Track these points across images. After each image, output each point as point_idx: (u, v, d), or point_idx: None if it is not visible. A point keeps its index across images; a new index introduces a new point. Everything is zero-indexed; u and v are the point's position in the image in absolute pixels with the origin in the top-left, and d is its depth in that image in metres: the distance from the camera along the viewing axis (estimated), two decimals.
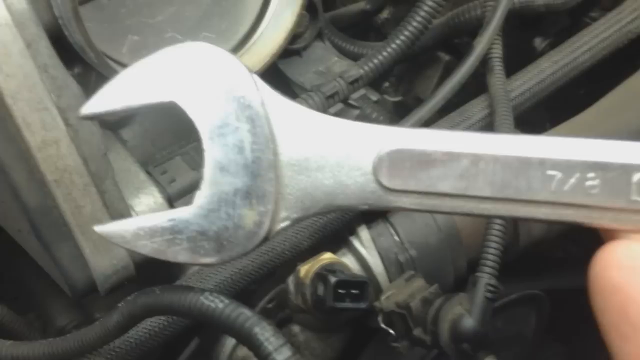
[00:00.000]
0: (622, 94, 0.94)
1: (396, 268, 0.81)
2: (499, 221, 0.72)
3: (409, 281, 0.76)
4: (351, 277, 0.72)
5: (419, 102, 0.96)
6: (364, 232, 0.81)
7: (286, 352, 0.41)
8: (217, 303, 0.43)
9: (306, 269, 0.74)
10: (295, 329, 0.84)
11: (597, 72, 0.98)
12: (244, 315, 0.42)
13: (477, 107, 0.82)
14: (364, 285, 0.72)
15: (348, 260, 0.81)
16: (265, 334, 0.41)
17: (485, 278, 0.70)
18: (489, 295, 0.69)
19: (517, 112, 0.84)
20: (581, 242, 1.36)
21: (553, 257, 1.27)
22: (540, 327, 1.04)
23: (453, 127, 0.81)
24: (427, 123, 0.83)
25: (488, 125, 0.81)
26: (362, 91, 0.86)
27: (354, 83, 0.84)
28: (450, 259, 0.83)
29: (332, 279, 0.70)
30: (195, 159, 0.77)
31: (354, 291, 0.72)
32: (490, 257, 0.70)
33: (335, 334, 0.85)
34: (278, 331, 0.42)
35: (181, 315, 0.47)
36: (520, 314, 0.99)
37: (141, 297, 0.50)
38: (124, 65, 0.74)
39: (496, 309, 0.93)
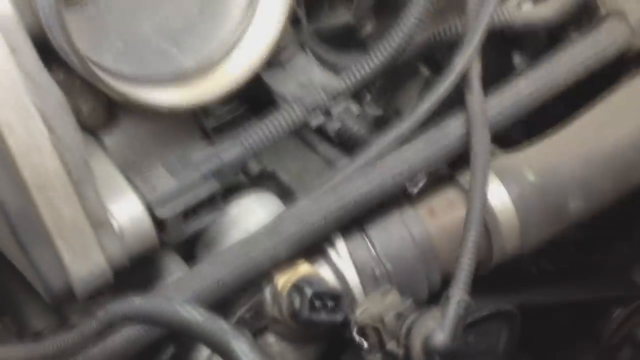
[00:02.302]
0: (597, 114, 0.96)
1: (372, 281, 0.82)
2: (472, 237, 0.73)
3: (384, 295, 0.77)
4: (327, 290, 0.73)
5: (400, 116, 0.98)
6: (340, 244, 0.82)
7: None
8: (195, 315, 0.44)
9: (284, 281, 0.75)
10: (271, 339, 0.84)
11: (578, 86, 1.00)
12: (222, 329, 0.43)
13: (454, 124, 0.83)
14: (339, 298, 0.73)
15: (324, 271, 0.82)
16: (243, 347, 0.42)
17: (457, 294, 0.71)
18: (461, 311, 0.71)
19: (494, 131, 0.85)
20: (554, 258, 1.39)
21: (526, 272, 1.30)
22: (511, 341, 1.06)
23: (432, 144, 0.82)
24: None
25: (465, 143, 0.82)
26: (343, 104, 0.87)
27: (336, 96, 0.85)
28: (425, 274, 0.84)
29: (309, 291, 0.71)
30: (177, 168, 0.77)
31: (329, 303, 0.73)
32: (464, 273, 0.72)
33: (310, 345, 0.86)
34: (255, 345, 0.43)
35: (159, 326, 0.48)
36: (491, 329, 1.00)
37: (120, 306, 0.50)
38: (108, 72, 0.75)
39: (468, 324, 0.95)
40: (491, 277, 1.11)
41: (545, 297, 1.11)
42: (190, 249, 0.86)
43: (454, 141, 0.82)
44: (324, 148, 1.06)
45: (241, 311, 0.79)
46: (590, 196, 0.90)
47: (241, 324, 0.80)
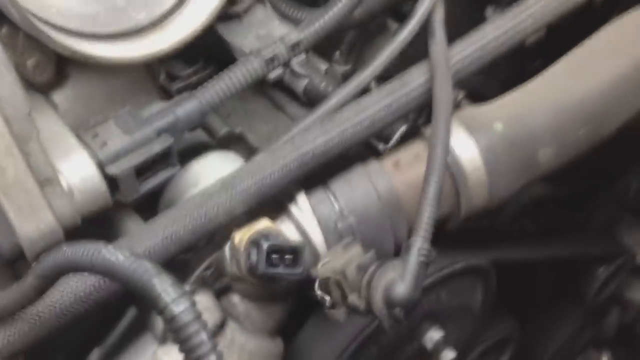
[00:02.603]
0: (568, 63, 0.93)
1: (335, 236, 0.80)
2: (433, 185, 0.71)
3: (346, 248, 0.75)
4: (285, 243, 0.71)
5: None
6: (302, 199, 0.80)
7: (184, 303, 0.40)
8: (117, 256, 0.42)
9: (241, 235, 0.73)
10: (235, 298, 0.83)
11: (549, 44, 0.98)
12: (143, 267, 0.41)
13: (417, 73, 0.81)
14: (298, 251, 0.71)
15: (287, 228, 0.80)
16: (164, 284, 0.40)
17: (418, 242, 0.69)
18: (421, 259, 0.69)
19: (459, 77, 0.83)
20: (536, 217, 1.37)
21: (506, 231, 1.28)
22: (487, 299, 1.04)
23: (393, 92, 0.80)
24: (367, 90, 0.82)
25: (428, 90, 0.80)
26: (303, 56, 0.85)
27: (295, 47, 0.82)
28: (390, 227, 0.82)
29: (265, 244, 0.69)
30: (129, 123, 0.75)
31: (288, 257, 0.71)
32: (424, 221, 0.70)
33: (275, 304, 0.85)
34: (179, 283, 0.41)
35: (86, 270, 0.46)
36: (465, 285, 0.98)
37: (50, 255, 0.48)
38: (52, 26, 0.72)
39: (439, 280, 0.93)
40: (469, 235, 1.09)
41: (522, 254, 1.09)
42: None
43: (416, 89, 0.80)
44: (293, 108, 1.04)
45: (200, 269, 0.77)
46: (561, 145, 0.88)
47: (201, 282, 0.78)
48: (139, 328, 0.82)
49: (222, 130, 1.02)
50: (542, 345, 1.38)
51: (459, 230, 1.14)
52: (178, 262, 0.79)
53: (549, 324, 1.39)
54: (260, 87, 1.12)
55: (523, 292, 1.37)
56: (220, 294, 0.82)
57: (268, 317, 0.84)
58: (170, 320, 0.40)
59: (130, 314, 0.81)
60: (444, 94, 0.77)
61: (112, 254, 0.42)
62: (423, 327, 0.95)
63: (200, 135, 0.93)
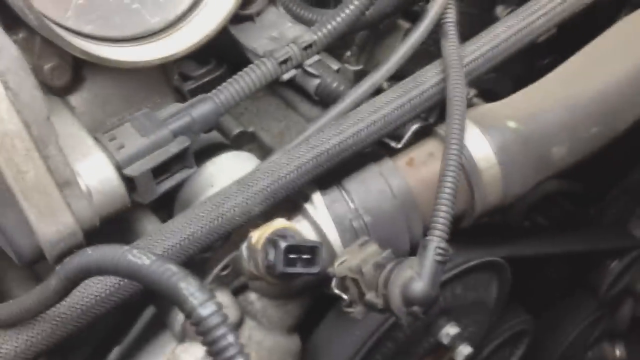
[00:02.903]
0: (580, 60, 0.93)
1: (350, 234, 0.80)
2: (449, 184, 0.71)
3: (363, 247, 0.75)
4: (302, 242, 0.71)
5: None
6: (317, 198, 0.81)
7: (211, 306, 0.41)
8: (143, 259, 0.43)
9: (258, 235, 0.73)
10: (252, 296, 0.83)
11: (561, 42, 0.98)
12: (170, 270, 0.42)
13: (430, 73, 0.82)
14: (315, 250, 0.71)
15: (302, 227, 0.80)
16: (191, 288, 0.41)
17: (435, 241, 0.69)
18: (438, 258, 0.69)
19: (472, 77, 0.83)
20: (549, 213, 1.38)
21: (519, 227, 1.28)
22: (502, 294, 1.05)
23: (407, 92, 0.80)
24: (380, 90, 0.83)
25: (442, 90, 0.80)
26: (316, 57, 0.85)
27: (308, 48, 0.83)
28: (405, 225, 0.83)
29: (283, 244, 0.70)
30: (146, 125, 0.76)
31: (305, 256, 0.71)
32: (441, 220, 0.70)
33: (292, 301, 0.85)
34: (204, 286, 0.42)
35: (110, 274, 0.47)
36: (480, 281, 0.99)
37: (75, 258, 0.49)
38: (68, 30, 0.73)
39: (455, 276, 0.94)
40: (483, 231, 1.10)
41: (535, 249, 1.10)
42: None
43: (430, 89, 0.81)
44: (306, 107, 1.04)
45: (218, 268, 0.78)
46: (575, 143, 0.88)
47: (219, 282, 0.79)
48: (157, 327, 0.83)
49: (235, 129, 1.03)
50: (556, 338, 1.38)
51: (477, 226, 1.15)
52: (196, 261, 0.81)
53: (562, 318, 1.40)
54: (272, 86, 1.13)
55: (536, 286, 1.37)
56: (237, 292, 0.82)
57: (285, 315, 0.84)
58: (197, 323, 0.40)
59: (149, 312, 0.82)
60: (457, 93, 0.77)
61: (138, 258, 0.43)
62: (439, 323, 0.95)
63: (214, 135, 0.94)
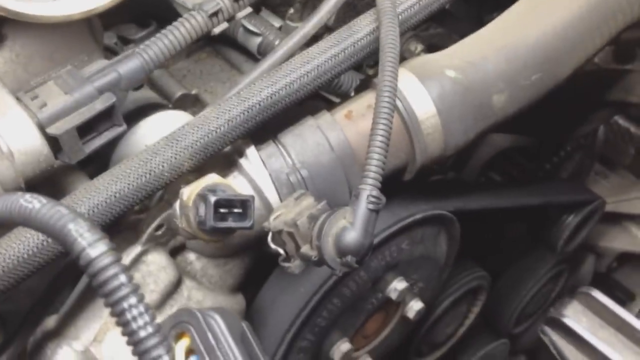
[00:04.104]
0: (520, 9, 0.92)
1: (288, 189, 0.79)
2: (381, 132, 0.70)
3: (298, 200, 0.74)
4: (232, 196, 0.70)
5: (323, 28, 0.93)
6: (253, 153, 0.79)
7: (101, 247, 0.39)
8: (34, 203, 0.41)
9: (189, 191, 0.71)
10: (191, 256, 0.82)
11: None
12: (59, 213, 0.40)
13: (364, 22, 0.80)
14: (246, 203, 0.70)
15: (238, 183, 0.79)
16: (80, 229, 0.39)
17: (367, 189, 0.68)
18: (371, 206, 0.68)
19: (408, 25, 0.82)
20: (505, 169, 1.37)
21: (472, 182, 1.28)
22: (452, 249, 1.04)
23: (340, 42, 0.78)
24: (316, 38, 0.81)
25: (376, 39, 0.79)
26: (248, 10, 0.83)
27: (239, 0, 0.81)
28: (344, 179, 0.82)
29: (212, 198, 0.68)
30: (70, 83, 0.73)
31: (237, 210, 0.70)
32: (373, 168, 0.69)
33: (233, 261, 0.84)
34: (96, 227, 0.40)
35: (6, 221, 0.45)
36: (427, 235, 0.98)
37: None
38: None
39: (400, 230, 0.93)
40: (434, 186, 1.09)
41: (487, 203, 1.09)
42: None
43: (364, 37, 0.79)
44: (250, 67, 1.03)
45: (151, 228, 0.76)
46: (515, 90, 0.87)
47: (153, 241, 0.78)
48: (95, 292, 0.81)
49: (177, 92, 1.01)
50: (515, 295, 1.38)
51: (426, 182, 1.14)
52: (129, 221, 0.79)
53: (521, 274, 1.39)
54: (215, 47, 1.11)
55: (493, 244, 1.37)
56: (175, 252, 0.81)
57: (226, 274, 0.83)
58: (87, 265, 0.39)
59: (86, 278, 0.80)
60: (390, 40, 0.75)
61: (29, 202, 0.41)
62: (386, 279, 0.94)
63: (150, 95, 0.92)
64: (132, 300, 0.39)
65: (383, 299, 0.96)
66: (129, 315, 0.39)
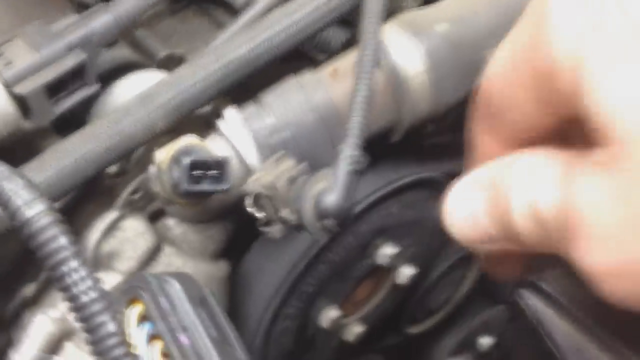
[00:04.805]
0: None
1: (269, 151, 0.76)
2: (363, 87, 0.66)
3: (278, 162, 0.71)
4: (208, 158, 0.67)
5: None
6: (232, 114, 0.76)
7: (38, 206, 0.36)
8: None
9: (163, 154, 0.68)
10: (170, 222, 0.79)
11: None
12: None
13: None
14: (223, 165, 0.67)
15: (217, 145, 0.76)
16: (15, 187, 0.36)
17: (348, 149, 0.65)
18: (352, 167, 0.64)
19: None
20: None
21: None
22: None
23: None
24: None
25: None
26: None
27: None
28: (329, 140, 0.78)
29: (186, 160, 0.65)
30: (37, 40, 0.70)
31: (213, 172, 0.67)
32: (354, 125, 0.65)
33: (214, 226, 0.81)
34: (32, 186, 0.37)
35: None
36: (418, 199, 0.95)
37: None
38: None
39: (389, 194, 0.90)
40: (426, 150, 1.05)
41: None
42: None
43: None
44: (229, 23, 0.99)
45: (127, 192, 0.74)
46: None
47: (131, 207, 0.75)
48: None
49: (162, 52, 0.97)
50: None
51: (419, 145, 1.11)
52: (104, 185, 0.76)
53: None
54: (202, 5, 1.07)
55: None
56: (154, 218, 0.78)
57: (207, 240, 0.80)
58: (22, 226, 0.36)
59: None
60: None
61: None
62: (375, 244, 0.92)
63: (128, 54, 0.88)
64: (73, 263, 0.36)
65: (373, 265, 0.93)
66: (69, 280, 0.36)
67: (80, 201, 0.75)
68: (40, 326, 0.71)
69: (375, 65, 0.67)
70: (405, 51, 0.79)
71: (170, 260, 0.77)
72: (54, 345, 0.71)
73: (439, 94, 0.81)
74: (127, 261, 0.74)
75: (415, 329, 1.21)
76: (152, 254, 0.76)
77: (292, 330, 0.92)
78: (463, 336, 1.37)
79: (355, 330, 0.98)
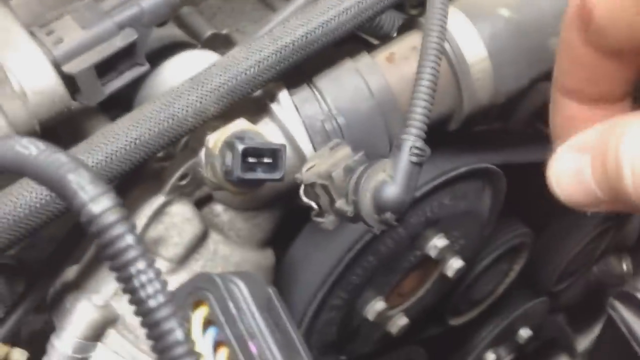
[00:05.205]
0: None
1: (322, 137, 0.73)
2: (428, 75, 0.63)
3: (334, 150, 0.68)
4: (262, 144, 0.64)
5: None
6: (285, 98, 0.73)
7: (106, 202, 0.33)
8: (31, 149, 0.36)
9: (215, 138, 0.66)
10: (218, 208, 0.77)
11: None
12: (59, 161, 0.35)
13: None
14: (277, 153, 0.64)
15: (269, 130, 0.73)
16: (81, 181, 0.34)
17: (410, 140, 0.61)
18: (414, 159, 0.61)
19: None
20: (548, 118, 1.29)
21: (520, 133, 1.20)
22: (496, 204, 0.97)
23: None
24: None
25: None
26: None
27: None
28: (384, 127, 0.75)
29: (240, 146, 0.62)
30: (87, 17, 0.67)
31: (266, 160, 0.64)
32: (417, 116, 0.62)
33: (262, 214, 0.79)
34: (99, 179, 0.34)
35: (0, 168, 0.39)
36: (471, 190, 0.91)
37: None
38: None
39: (442, 185, 0.86)
40: (478, 138, 1.02)
41: (534, 156, 1.01)
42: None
43: None
44: (283, 5, 0.95)
45: (175, 177, 0.71)
46: None
47: (179, 192, 0.72)
48: None
49: (207, 31, 0.94)
50: (558, 252, 1.31)
51: (470, 133, 1.07)
52: (152, 170, 0.74)
53: (565, 231, 1.32)
54: None
55: (538, 200, 1.30)
56: (201, 204, 0.76)
57: (255, 228, 0.78)
58: (89, 222, 0.33)
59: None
60: None
61: (26, 148, 0.36)
62: (426, 235, 0.89)
63: (177, 33, 0.86)
64: (141, 264, 0.33)
65: (421, 257, 0.90)
66: (136, 282, 0.33)
67: (126, 185, 0.72)
68: (83, 313, 0.69)
69: (441, 52, 0.63)
70: (468, 36, 0.75)
71: (217, 247, 0.75)
72: (97, 333, 0.70)
73: (500, 81, 0.77)
74: (173, 247, 0.72)
75: (457, 320, 1.19)
76: (199, 241, 0.73)
77: (336, 321, 0.89)
78: (503, 327, 1.34)
79: (399, 322, 0.95)
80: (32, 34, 0.66)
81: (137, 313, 0.34)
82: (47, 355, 0.68)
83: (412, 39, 0.78)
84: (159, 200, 0.71)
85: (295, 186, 0.68)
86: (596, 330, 1.56)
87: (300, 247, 0.85)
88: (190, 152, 0.72)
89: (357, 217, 0.64)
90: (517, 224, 1.15)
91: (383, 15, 0.92)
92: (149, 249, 0.71)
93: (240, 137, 0.64)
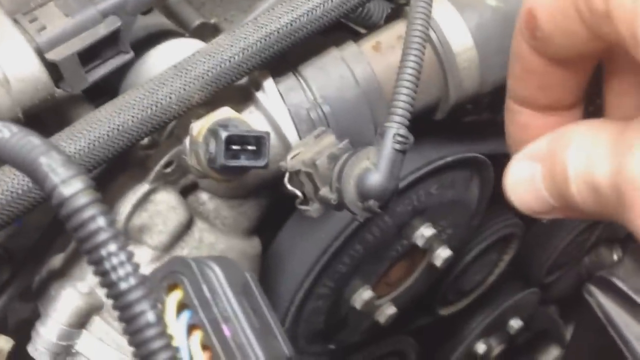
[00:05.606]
0: None
1: (307, 125, 0.73)
2: (411, 63, 0.63)
3: (319, 138, 0.68)
4: (245, 132, 0.64)
5: None
6: (270, 86, 0.73)
7: (77, 184, 0.33)
8: (4, 132, 0.35)
9: (200, 126, 0.66)
10: (203, 196, 0.77)
11: None
12: (31, 143, 0.34)
13: None
14: (261, 140, 0.64)
15: (254, 118, 0.73)
16: (53, 164, 0.34)
17: (393, 128, 0.61)
18: (397, 146, 0.61)
19: None
20: None
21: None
22: (484, 194, 0.97)
23: None
24: None
25: None
26: None
27: None
28: (370, 116, 0.75)
29: (223, 133, 0.62)
30: (71, 5, 0.67)
31: (250, 147, 0.64)
32: (400, 104, 0.62)
33: (248, 202, 0.79)
34: (71, 162, 0.34)
35: None
36: (459, 179, 0.91)
37: None
38: None
39: (428, 173, 0.86)
40: (466, 128, 1.02)
41: None
42: None
43: None
44: None
45: (160, 165, 0.71)
46: None
47: (162, 180, 0.72)
48: None
49: (195, 20, 0.94)
50: (549, 243, 1.32)
51: (459, 123, 1.07)
52: (137, 157, 0.73)
53: (556, 222, 1.33)
54: None
55: None
56: (186, 192, 0.76)
57: (241, 216, 0.78)
58: (59, 205, 0.33)
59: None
60: None
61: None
62: (413, 224, 0.89)
63: (163, 22, 0.85)
64: (112, 247, 0.33)
65: (409, 246, 0.91)
66: (107, 265, 0.33)
67: (111, 173, 0.72)
68: (68, 300, 0.69)
69: (425, 40, 0.63)
70: (454, 25, 0.75)
71: (202, 235, 0.75)
72: (82, 320, 0.70)
73: (486, 70, 0.77)
74: (158, 235, 0.72)
75: (446, 310, 1.19)
76: (184, 229, 0.73)
77: (324, 310, 0.90)
78: (494, 318, 1.34)
79: (387, 311, 0.95)
80: (15, 21, 0.66)
81: (109, 295, 0.34)
82: (32, 341, 0.68)
83: (399, 28, 0.78)
84: (143, 188, 0.71)
85: (281, 174, 0.68)
86: None
87: (287, 236, 0.85)
88: (175, 140, 0.72)
89: (341, 205, 0.64)
90: (507, 214, 1.15)
91: (372, 4, 0.92)
92: (133, 236, 0.71)
93: (224, 124, 0.64)
